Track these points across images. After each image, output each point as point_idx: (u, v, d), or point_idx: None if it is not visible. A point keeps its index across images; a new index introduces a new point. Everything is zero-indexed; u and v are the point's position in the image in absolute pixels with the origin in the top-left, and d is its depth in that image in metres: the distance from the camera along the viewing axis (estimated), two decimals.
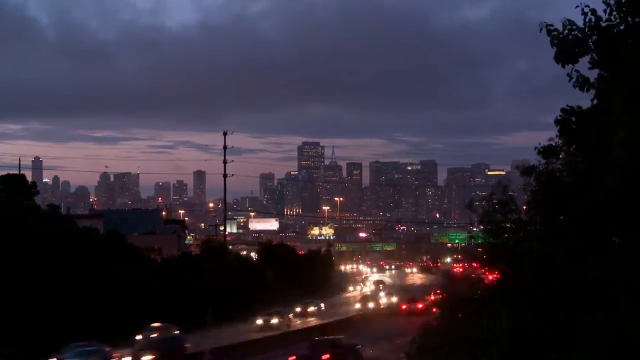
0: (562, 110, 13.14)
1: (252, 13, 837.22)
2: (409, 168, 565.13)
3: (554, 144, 13.85)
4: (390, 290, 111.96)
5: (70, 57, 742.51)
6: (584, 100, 13.05)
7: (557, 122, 13.28)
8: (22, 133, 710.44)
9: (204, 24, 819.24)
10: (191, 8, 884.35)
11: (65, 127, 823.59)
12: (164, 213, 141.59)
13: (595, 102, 12.53)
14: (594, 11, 12.05)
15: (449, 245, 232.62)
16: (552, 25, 12.34)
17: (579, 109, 13.11)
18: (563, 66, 12.35)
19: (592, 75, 12.59)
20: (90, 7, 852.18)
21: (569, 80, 12.44)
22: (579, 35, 12.07)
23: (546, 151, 14.11)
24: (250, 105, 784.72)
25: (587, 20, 12.04)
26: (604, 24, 12.00)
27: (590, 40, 12.14)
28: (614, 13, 11.98)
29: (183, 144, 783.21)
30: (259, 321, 72.96)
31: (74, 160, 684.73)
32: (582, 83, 12.40)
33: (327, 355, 47.97)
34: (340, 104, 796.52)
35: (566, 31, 12.15)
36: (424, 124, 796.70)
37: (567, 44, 12.10)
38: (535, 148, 14.13)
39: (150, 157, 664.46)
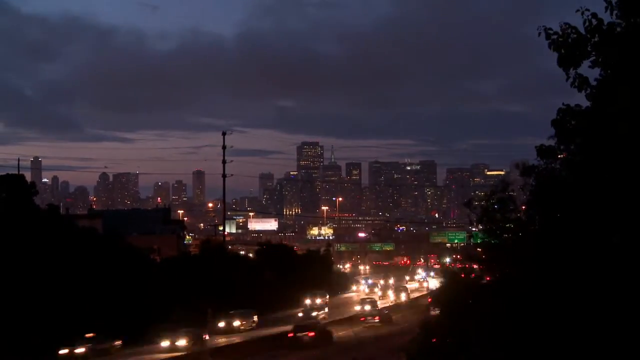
0: (560, 110, 13.17)
1: None
2: (409, 168, 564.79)
3: (553, 144, 13.89)
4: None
5: None
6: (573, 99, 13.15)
7: (554, 122, 13.29)
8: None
9: None
10: None
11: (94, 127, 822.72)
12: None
13: (595, 100, 12.58)
14: (594, 15, 12.15)
15: (447, 245, 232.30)
16: (551, 29, 12.46)
17: (578, 107, 13.14)
18: (565, 69, 12.43)
19: (591, 75, 12.66)
20: None
21: (567, 80, 12.51)
22: (579, 38, 12.17)
23: (545, 152, 14.14)
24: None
25: (586, 23, 12.12)
26: (605, 26, 12.08)
27: (590, 43, 12.22)
28: (615, 12, 12.06)
29: (207, 145, 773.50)
30: (165, 343, 58.86)
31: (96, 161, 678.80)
32: (581, 83, 12.46)
33: None
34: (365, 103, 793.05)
35: (566, 34, 12.25)
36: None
37: (568, 47, 12.20)
38: (535, 147, 14.19)
39: (181, 157, 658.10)
